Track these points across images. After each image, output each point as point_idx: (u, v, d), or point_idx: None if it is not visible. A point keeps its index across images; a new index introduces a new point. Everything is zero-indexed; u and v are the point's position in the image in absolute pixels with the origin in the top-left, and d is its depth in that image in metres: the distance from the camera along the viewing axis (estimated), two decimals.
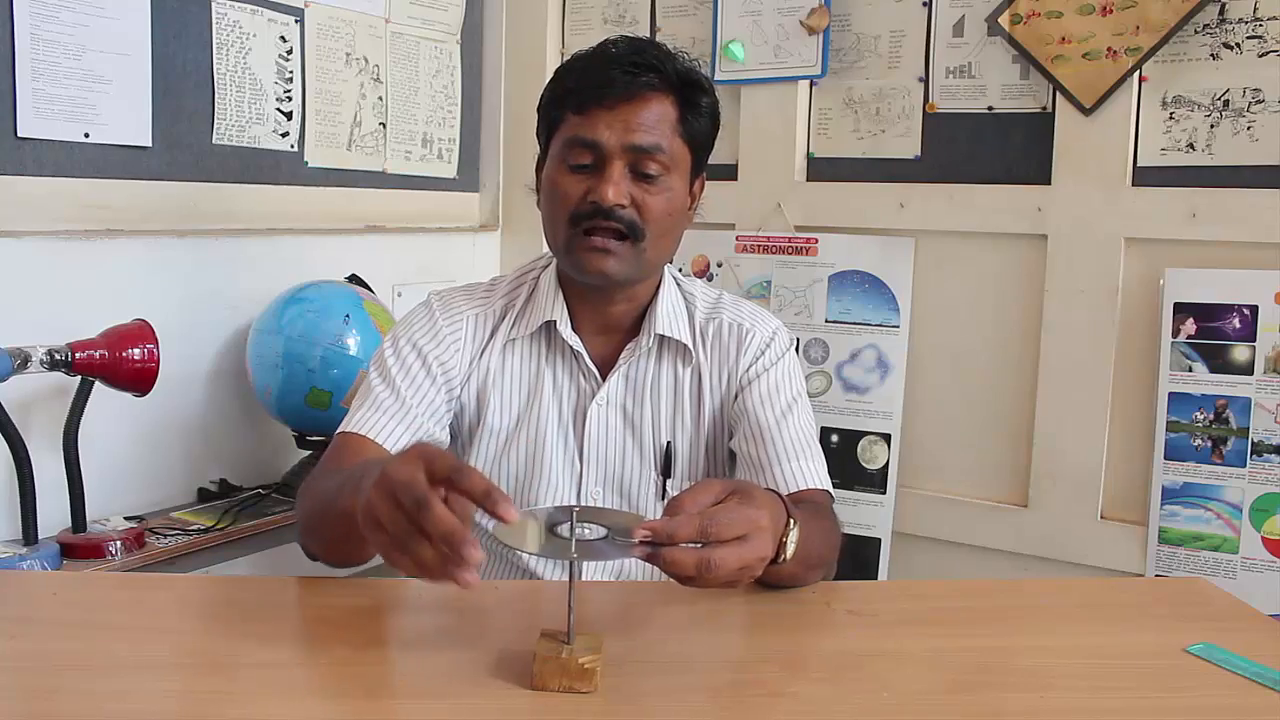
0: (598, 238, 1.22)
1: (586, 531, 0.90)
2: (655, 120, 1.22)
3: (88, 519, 1.75)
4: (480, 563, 0.84)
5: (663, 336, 1.32)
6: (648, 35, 2.50)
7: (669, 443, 1.33)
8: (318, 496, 1.13)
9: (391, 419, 1.26)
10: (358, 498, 0.96)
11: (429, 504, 0.83)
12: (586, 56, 1.26)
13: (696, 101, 1.26)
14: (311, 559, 1.17)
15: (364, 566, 1.14)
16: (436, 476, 0.85)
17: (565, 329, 1.31)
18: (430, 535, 0.83)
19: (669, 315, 1.33)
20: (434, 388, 1.30)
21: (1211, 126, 1.97)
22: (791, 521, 1.01)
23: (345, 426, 1.27)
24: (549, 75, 1.32)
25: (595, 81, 1.22)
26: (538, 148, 1.33)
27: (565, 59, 1.30)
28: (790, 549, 1.01)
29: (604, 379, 1.33)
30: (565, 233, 1.24)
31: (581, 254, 1.23)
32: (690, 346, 1.33)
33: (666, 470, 1.33)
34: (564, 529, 0.89)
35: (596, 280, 1.25)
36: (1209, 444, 1.97)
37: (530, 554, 0.87)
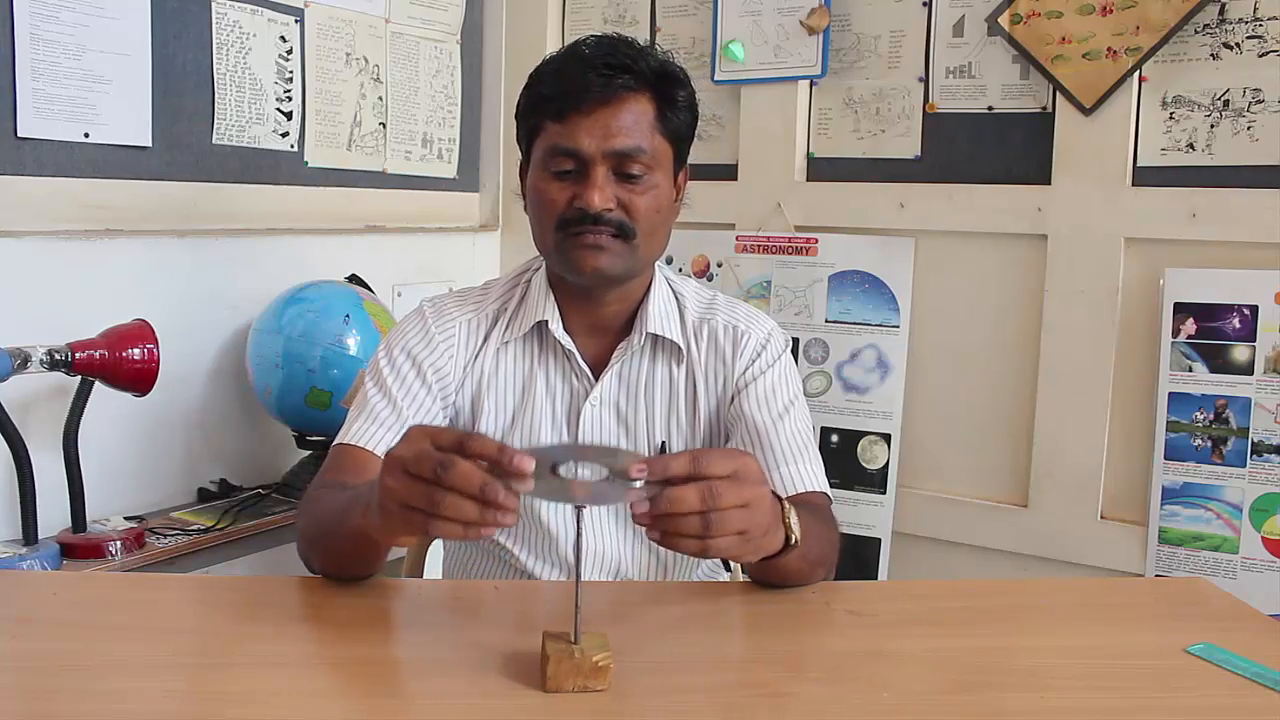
0: (589, 235, 1.22)
1: (586, 473, 0.89)
2: (634, 122, 1.21)
3: (88, 519, 1.75)
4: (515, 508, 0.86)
5: (655, 336, 1.32)
6: (647, 36, 2.50)
7: (664, 442, 1.33)
8: (321, 515, 1.13)
9: (389, 431, 1.26)
10: (369, 514, 0.97)
11: (453, 463, 0.85)
12: (559, 60, 1.25)
13: (673, 96, 1.25)
14: (313, 573, 1.17)
15: None
16: (445, 448, 0.87)
17: (557, 329, 1.31)
18: (462, 491, 0.85)
19: (660, 314, 1.32)
20: (429, 396, 1.30)
21: (1211, 126, 1.97)
22: (786, 505, 1.03)
23: (343, 438, 1.28)
24: None
25: (571, 87, 1.21)
26: (520, 153, 1.32)
27: (539, 63, 1.29)
28: (796, 531, 1.03)
29: (597, 379, 1.33)
30: (554, 237, 1.24)
31: (574, 253, 1.23)
32: (682, 346, 1.33)
33: None
34: (564, 469, 0.88)
35: (591, 278, 1.24)
36: (1209, 444, 1.96)
37: (528, 494, 0.86)
